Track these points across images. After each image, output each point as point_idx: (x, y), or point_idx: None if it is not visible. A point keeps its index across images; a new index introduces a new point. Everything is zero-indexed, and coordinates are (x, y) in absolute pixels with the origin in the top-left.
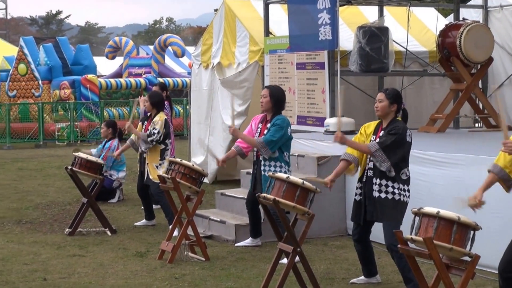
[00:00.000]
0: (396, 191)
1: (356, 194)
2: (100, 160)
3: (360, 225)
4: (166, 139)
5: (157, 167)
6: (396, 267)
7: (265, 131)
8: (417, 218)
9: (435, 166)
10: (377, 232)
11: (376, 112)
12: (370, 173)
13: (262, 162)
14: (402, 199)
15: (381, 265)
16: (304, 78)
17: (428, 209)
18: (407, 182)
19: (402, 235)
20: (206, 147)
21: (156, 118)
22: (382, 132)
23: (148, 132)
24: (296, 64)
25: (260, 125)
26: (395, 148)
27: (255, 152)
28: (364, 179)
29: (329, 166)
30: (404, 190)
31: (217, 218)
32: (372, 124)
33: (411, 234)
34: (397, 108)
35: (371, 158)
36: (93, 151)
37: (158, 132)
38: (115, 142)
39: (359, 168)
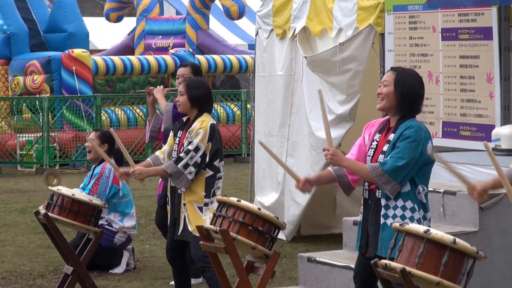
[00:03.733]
0: None
1: None
2: (95, 200)
3: None
4: (214, 159)
5: (201, 209)
6: None
7: (385, 148)
8: None
9: None
10: None
11: None
12: None
13: (382, 203)
14: None
15: None
16: (455, 56)
17: None
18: None
19: None
20: (281, 178)
21: (196, 125)
22: None
23: (181, 154)
24: (442, 31)
25: (377, 136)
26: None
27: (366, 184)
28: None
29: (498, 211)
30: None
31: None
32: None
33: None
34: None
35: None
36: (77, 190)
37: (197, 149)
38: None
39: None
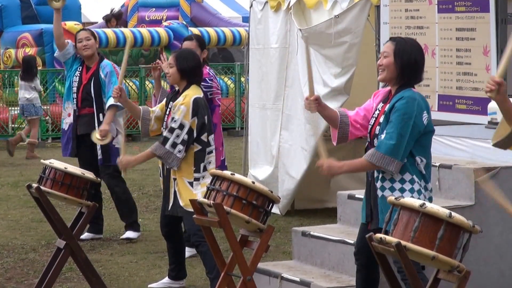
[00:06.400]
0: None
1: None
2: (88, 173)
3: None
4: (201, 133)
5: (191, 184)
6: None
7: (381, 119)
8: None
9: None
10: None
11: None
12: None
13: (379, 176)
14: None
15: None
16: (451, 29)
17: None
18: None
19: None
20: (275, 152)
21: (179, 100)
22: None
23: (165, 134)
24: (438, 4)
25: (380, 106)
26: None
27: None
28: None
29: (494, 185)
30: None
31: (295, 277)
32: None
33: None
34: None
35: None
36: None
37: (181, 126)
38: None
39: None
